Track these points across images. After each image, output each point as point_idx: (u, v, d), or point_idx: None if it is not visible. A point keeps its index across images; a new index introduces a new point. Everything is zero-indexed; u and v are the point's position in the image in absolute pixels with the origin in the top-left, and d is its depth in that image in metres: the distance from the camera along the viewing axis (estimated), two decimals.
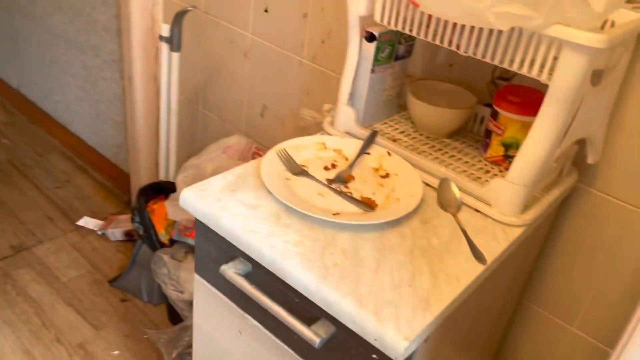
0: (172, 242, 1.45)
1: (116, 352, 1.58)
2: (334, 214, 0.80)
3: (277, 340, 0.82)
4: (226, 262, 0.82)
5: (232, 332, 0.90)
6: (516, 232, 0.84)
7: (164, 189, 1.55)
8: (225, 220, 0.79)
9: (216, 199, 0.82)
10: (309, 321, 0.74)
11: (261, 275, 0.78)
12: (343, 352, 0.73)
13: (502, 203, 0.85)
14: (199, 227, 0.85)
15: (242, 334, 0.88)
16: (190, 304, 1.29)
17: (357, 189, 0.88)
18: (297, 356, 0.80)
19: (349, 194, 0.86)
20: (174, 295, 1.28)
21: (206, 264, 0.89)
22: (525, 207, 0.86)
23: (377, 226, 0.80)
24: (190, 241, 1.39)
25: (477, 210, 0.87)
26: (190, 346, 1.26)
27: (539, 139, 0.79)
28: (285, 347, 0.81)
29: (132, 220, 1.47)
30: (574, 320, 1.11)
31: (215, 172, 0.95)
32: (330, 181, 0.89)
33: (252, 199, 0.83)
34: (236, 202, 0.82)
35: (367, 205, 0.84)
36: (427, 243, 0.79)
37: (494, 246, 0.80)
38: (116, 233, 1.95)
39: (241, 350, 0.91)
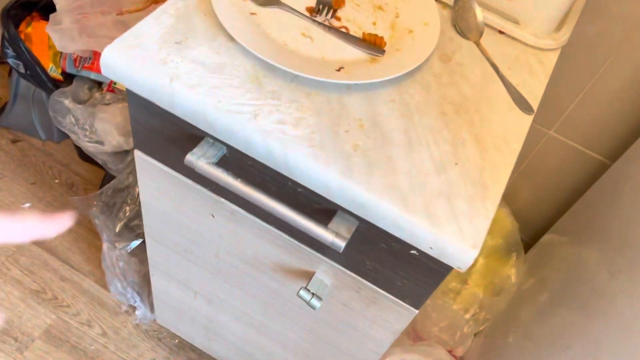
0: (67, 75, 1.12)
1: (27, 205, 1.36)
2: (337, 70, 0.57)
3: (266, 225, 0.66)
4: (187, 145, 0.59)
5: (201, 215, 0.72)
6: (552, 60, 0.67)
7: (34, 4, 1.15)
8: (184, 97, 0.54)
9: (160, 61, 0.55)
10: (321, 215, 0.57)
11: (241, 157, 0.58)
12: (368, 245, 0.59)
13: (536, 18, 0.66)
14: (136, 100, 0.59)
15: (216, 217, 0.71)
16: (115, 155, 1.05)
17: (351, 19, 0.64)
18: (289, 238, 0.66)
19: (344, 30, 0.62)
20: (92, 148, 1.03)
21: (153, 142, 0.65)
22: (561, 22, 0.68)
23: (394, 79, 0.59)
24: (94, 75, 1.08)
25: (500, 32, 0.68)
26: (134, 216, 1.06)
27: None
28: (274, 229, 0.66)
29: (4, 55, 1.09)
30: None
31: None
32: (312, 11, 0.63)
33: (212, 54, 0.57)
34: (191, 64, 0.55)
35: (374, 45, 0.61)
36: (457, 92, 0.60)
37: (534, 84, 0.63)
38: None
39: (215, 232, 0.74)
